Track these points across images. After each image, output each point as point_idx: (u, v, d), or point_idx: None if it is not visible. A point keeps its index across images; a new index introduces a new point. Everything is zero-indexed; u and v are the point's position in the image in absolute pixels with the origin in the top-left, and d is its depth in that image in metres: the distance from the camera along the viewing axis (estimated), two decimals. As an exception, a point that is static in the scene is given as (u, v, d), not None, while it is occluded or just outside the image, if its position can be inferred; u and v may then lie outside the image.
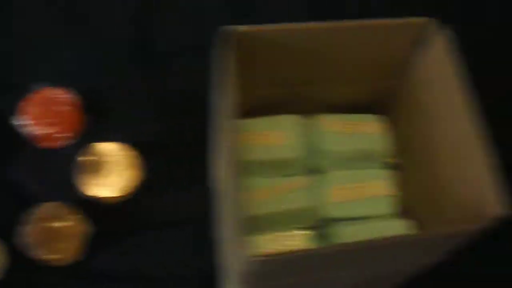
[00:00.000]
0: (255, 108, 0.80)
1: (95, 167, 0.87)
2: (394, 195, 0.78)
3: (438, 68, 0.69)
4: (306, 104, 0.80)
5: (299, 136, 0.77)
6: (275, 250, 0.72)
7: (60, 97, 0.90)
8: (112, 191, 0.87)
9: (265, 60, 0.73)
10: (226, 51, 0.64)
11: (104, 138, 0.89)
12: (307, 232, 0.75)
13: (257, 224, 0.75)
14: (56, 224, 0.83)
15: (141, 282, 0.86)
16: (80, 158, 0.87)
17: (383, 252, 0.62)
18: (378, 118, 0.82)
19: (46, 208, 0.84)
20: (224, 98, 0.65)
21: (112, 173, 0.87)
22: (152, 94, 0.96)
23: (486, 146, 0.61)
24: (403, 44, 0.74)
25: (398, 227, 0.74)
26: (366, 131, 0.80)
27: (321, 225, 0.77)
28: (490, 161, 0.60)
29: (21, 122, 0.89)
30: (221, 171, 0.79)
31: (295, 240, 0.75)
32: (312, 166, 0.80)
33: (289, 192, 0.75)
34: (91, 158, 0.88)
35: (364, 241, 0.57)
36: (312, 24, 0.68)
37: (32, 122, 0.88)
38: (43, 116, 0.89)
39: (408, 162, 0.80)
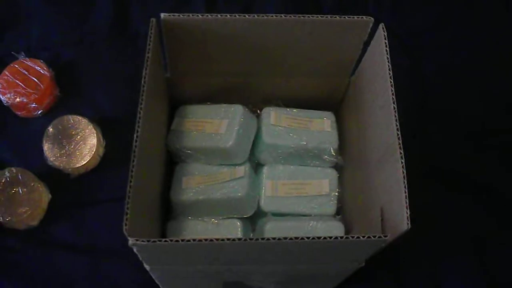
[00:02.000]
0: (203, 95, 0.80)
1: (61, 139, 0.91)
2: (335, 194, 0.77)
3: (378, 67, 0.67)
4: (255, 95, 0.80)
5: (241, 127, 0.76)
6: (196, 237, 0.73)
7: (36, 69, 0.94)
8: (75, 163, 0.90)
9: (209, 49, 0.73)
10: (154, 38, 0.65)
11: (73, 111, 0.92)
12: (239, 222, 0.75)
13: (192, 209, 0.76)
14: (18, 189, 0.87)
15: (96, 253, 0.88)
16: (48, 129, 0.91)
17: (288, 251, 0.62)
18: (328, 115, 0.80)
19: (11, 172, 0.87)
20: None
21: (77, 145, 0.90)
22: (123, 73, 0.98)
23: (401, 158, 0.59)
24: (352, 42, 0.72)
25: (329, 228, 0.74)
26: (314, 128, 0.79)
27: (257, 217, 0.77)
28: (403, 174, 0.59)
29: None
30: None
31: (225, 228, 0.75)
32: (256, 158, 0.80)
33: (228, 181, 0.76)
34: (59, 129, 0.91)
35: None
36: (251, 17, 0.67)
37: (7, 90, 0.92)
38: (19, 85, 0.93)
39: (347, 161, 0.78)
